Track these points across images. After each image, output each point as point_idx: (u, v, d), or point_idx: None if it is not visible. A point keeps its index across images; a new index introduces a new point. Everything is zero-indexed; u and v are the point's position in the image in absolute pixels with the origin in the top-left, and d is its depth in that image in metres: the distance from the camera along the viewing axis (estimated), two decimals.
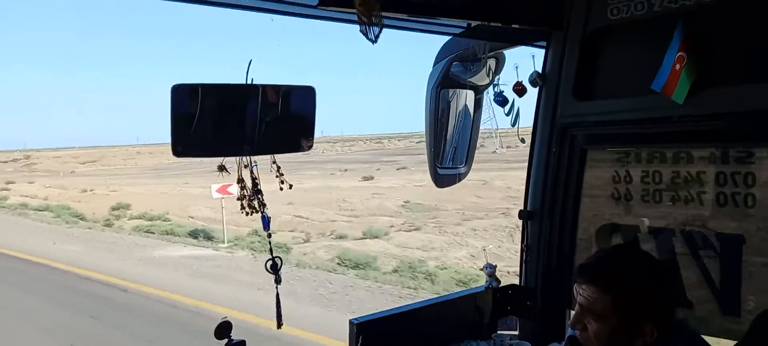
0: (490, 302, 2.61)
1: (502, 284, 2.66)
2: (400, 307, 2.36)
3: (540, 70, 2.52)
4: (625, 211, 2.48)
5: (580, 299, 1.58)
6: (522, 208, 2.65)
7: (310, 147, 1.72)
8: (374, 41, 1.44)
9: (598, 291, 1.54)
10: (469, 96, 2.51)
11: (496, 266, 2.64)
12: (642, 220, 2.45)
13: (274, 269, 1.75)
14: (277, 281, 1.76)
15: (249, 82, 1.52)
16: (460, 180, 2.52)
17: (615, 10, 2.30)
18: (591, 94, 2.46)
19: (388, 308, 2.31)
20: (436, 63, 2.45)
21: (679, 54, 2.07)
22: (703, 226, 2.28)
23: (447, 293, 2.60)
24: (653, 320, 1.53)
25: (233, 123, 1.55)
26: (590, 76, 2.46)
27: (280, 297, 1.81)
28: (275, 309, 1.82)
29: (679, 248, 2.35)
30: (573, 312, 1.64)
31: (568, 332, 1.68)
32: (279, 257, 1.76)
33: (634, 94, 2.30)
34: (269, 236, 1.75)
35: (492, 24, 2.20)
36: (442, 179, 2.46)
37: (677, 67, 2.08)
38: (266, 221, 1.70)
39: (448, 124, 2.46)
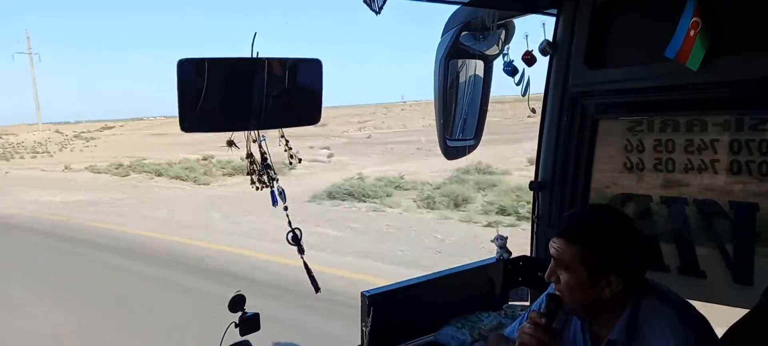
0: (501, 274, 2.59)
1: (513, 256, 2.65)
2: (411, 279, 2.35)
3: (550, 39, 2.46)
4: (637, 180, 2.44)
5: (552, 251, 1.68)
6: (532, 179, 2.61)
7: (317, 120, 1.68)
8: (378, 12, 1.40)
9: (566, 243, 1.64)
10: (478, 66, 2.46)
11: (507, 238, 2.61)
12: (655, 189, 2.42)
13: (295, 239, 1.74)
14: (300, 251, 1.77)
15: (255, 54, 1.49)
16: (469, 152, 2.48)
17: None
18: (603, 62, 2.40)
19: (400, 281, 2.30)
20: (444, 33, 2.38)
21: (693, 20, 2.00)
22: (717, 194, 2.24)
23: (460, 265, 2.59)
24: (618, 271, 1.61)
25: (240, 97, 1.52)
26: (602, 44, 2.39)
27: None
28: (308, 277, 1.81)
29: (692, 217, 2.31)
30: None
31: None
32: (299, 228, 1.74)
33: (647, 61, 2.24)
34: (285, 208, 1.73)
35: None
36: (451, 152, 2.42)
37: (691, 33, 2.02)
38: (275, 197, 1.67)
39: (458, 96, 2.41)
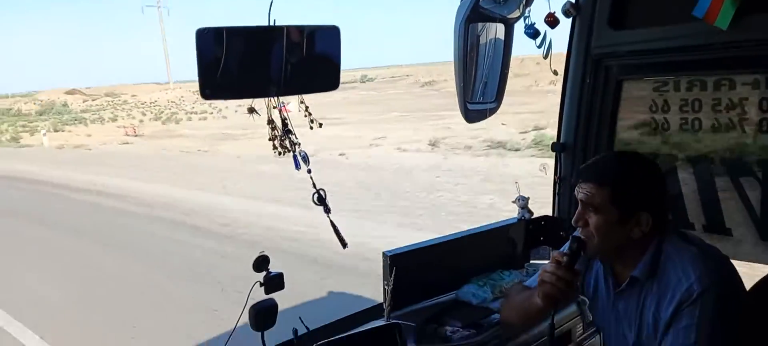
0: (523, 233, 2.61)
1: (535, 216, 2.66)
2: (433, 239, 2.40)
3: (573, 1, 2.41)
4: (662, 140, 2.41)
5: (580, 196, 1.70)
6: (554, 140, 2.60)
7: (335, 87, 1.71)
8: None
9: (596, 186, 1.66)
10: (499, 29, 2.43)
11: (528, 198, 2.62)
12: (680, 148, 2.38)
13: (321, 200, 1.79)
14: (326, 210, 1.81)
15: (272, 23, 1.52)
16: (490, 115, 2.48)
17: None
18: (627, 23, 2.34)
19: (421, 241, 2.35)
20: None
21: None
22: (745, 152, 2.20)
23: (481, 225, 2.62)
24: (648, 208, 1.66)
25: (259, 65, 1.55)
26: (626, 4, 2.33)
27: None
28: (335, 235, 1.85)
29: (719, 176, 2.29)
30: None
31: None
32: (323, 189, 1.79)
33: (674, 21, 2.18)
34: (309, 171, 1.78)
35: None
36: (471, 115, 2.43)
37: None
38: (297, 160, 1.72)
39: (478, 59, 2.40)
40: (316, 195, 1.80)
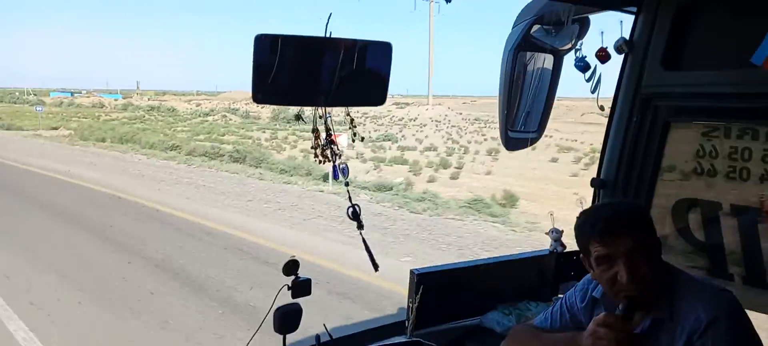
0: (553, 266, 2.54)
1: (567, 249, 2.58)
2: (462, 262, 2.36)
3: (627, 37, 2.34)
4: (706, 186, 2.31)
5: (622, 249, 1.56)
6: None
7: (382, 102, 1.70)
8: (448, 0, 1.39)
9: (623, 235, 1.55)
10: (547, 60, 2.38)
11: (562, 232, 2.55)
12: (725, 197, 2.28)
13: (355, 216, 1.75)
14: (360, 226, 1.77)
15: (327, 35, 1.52)
16: (531, 145, 2.43)
17: None
18: (680, 64, 2.27)
19: (450, 262, 2.31)
20: (515, 24, 2.33)
21: None
22: None
23: (512, 253, 2.56)
24: (659, 253, 1.61)
25: (310, 74, 1.55)
26: (681, 45, 2.25)
27: None
28: (367, 254, 1.83)
29: (763, 228, 2.18)
30: (598, 271, 1.59)
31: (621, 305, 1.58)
32: (358, 205, 1.76)
33: (729, 66, 2.10)
34: (346, 184, 1.76)
35: None
36: (512, 143, 2.38)
37: None
38: (336, 171, 1.71)
39: (523, 88, 2.36)
40: (350, 209, 1.77)
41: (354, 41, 1.60)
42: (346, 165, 1.76)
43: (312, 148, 1.68)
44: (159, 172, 19.21)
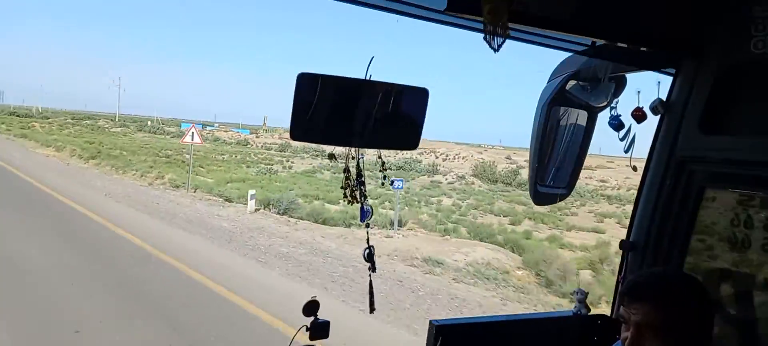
0: (577, 329, 2.44)
1: (592, 312, 2.48)
2: (482, 316, 2.28)
3: (664, 98, 2.29)
4: (740, 258, 2.21)
5: (634, 318, 1.50)
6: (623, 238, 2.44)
7: (415, 146, 1.69)
8: (496, 50, 1.37)
9: (656, 309, 1.48)
10: (581, 116, 2.34)
11: (587, 293, 2.45)
12: (759, 270, 2.18)
13: (370, 257, 1.73)
14: (372, 269, 1.74)
15: (368, 77, 1.52)
16: (560, 201, 2.37)
17: (759, 44, 2.02)
18: (718, 128, 2.20)
19: (469, 316, 2.23)
20: (551, 79, 2.30)
21: None
22: None
23: (533, 312, 2.46)
24: (704, 335, 1.50)
25: (347, 115, 1.55)
26: (720, 109, 2.20)
27: None
28: (368, 296, 1.83)
29: None
30: (628, 336, 1.51)
31: None
32: (373, 246, 1.74)
33: None
34: (367, 226, 1.74)
35: (618, 45, 2.02)
36: (541, 197, 2.32)
37: None
38: (364, 213, 1.69)
39: (555, 143, 2.31)
40: (366, 251, 1.75)
41: (391, 85, 1.60)
42: (371, 207, 1.73)
43: (342, 187, 1.66)
44: None
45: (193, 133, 24.33)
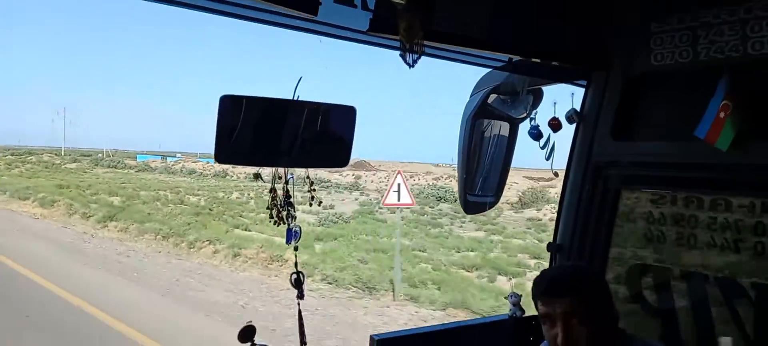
0: (512, 332, 2.51)
1: (526, 314, 2.57)
2: (421, 328, 2.31)
3: (578, 108, 2.45)
4: (657, 253, 2.37)
5: (559, 310, 1.62)
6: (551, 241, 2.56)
7: (344, 164, 1.70)
8: (411, 66, 1.43)
9: (579, 299, 1.62)
10: (504, 127, 2.46)
11: (521, 296, 2.54)
12: (675, 263, 2.34)
13: (298, 284, 1.70)
14: (300, 296, 1.72)
15: (296, 98, 1.53)
16: (489, 208, 2.46)
17: (659, 56, 2.22)
18: (629, 134, 2.37)
19: (408, 328, 2.25)
20: (473, 93, 2.41)
21: (724, 103, 1.97)
22: (738, 273, 2.16)
23: (471, 319, 2.52)
24: (613, 311, 1.69)
25: (273, 135, 1.55)
26: (629, 117, 2.37)
27: None
28: (298, 327, 1.78)
29: (712, 294, 2.23)
30: (544, 329, 1.67)
31: None
32: (302, 272, 1.71)
33: (675, 138, 2.21)
34: (296, 249, 1.72)
35: (533, 60, 2.15)
36: (471, 206, 2.41)
37: (721, 115, 1.99)
38: (290, 234, 1.67)
39: (481, 154, 2.41)
40: (294, 276, 1.71)
41: (318, 104, 1.61)
42: (299, 228, 1.71)
43: (267, 208, 1.63)
44: None
45: (400, 186, 11.14)
